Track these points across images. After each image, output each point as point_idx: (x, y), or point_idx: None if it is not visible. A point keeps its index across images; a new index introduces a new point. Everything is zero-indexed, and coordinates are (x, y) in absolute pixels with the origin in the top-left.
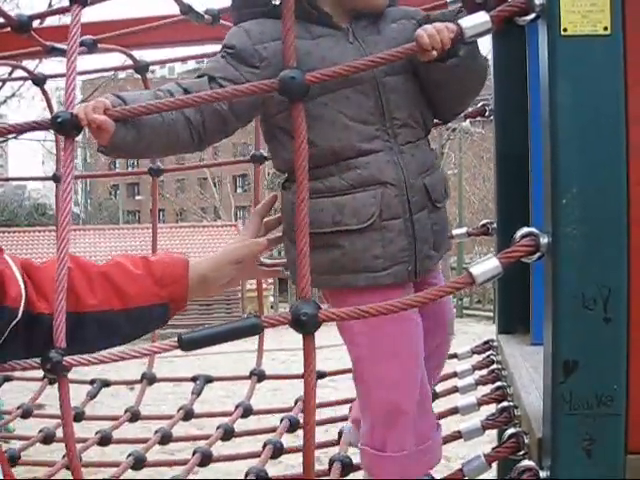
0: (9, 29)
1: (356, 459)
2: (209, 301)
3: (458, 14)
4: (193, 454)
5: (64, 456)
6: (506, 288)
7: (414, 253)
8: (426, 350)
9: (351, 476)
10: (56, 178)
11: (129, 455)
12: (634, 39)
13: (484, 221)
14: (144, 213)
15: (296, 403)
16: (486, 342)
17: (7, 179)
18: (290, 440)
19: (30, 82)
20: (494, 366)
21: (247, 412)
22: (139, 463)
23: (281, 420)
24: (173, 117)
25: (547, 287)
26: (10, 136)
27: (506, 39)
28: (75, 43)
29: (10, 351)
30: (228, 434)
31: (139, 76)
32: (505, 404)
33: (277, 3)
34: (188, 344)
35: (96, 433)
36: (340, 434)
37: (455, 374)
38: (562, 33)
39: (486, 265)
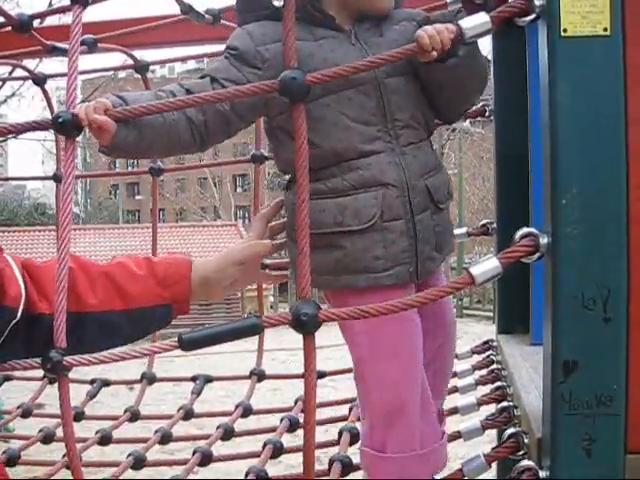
0: (10, 28)
1: (356, 459)
2: (209, 301)
3: (458, 14)
4: (193, 454)
5: (64, 456)
6: (506, 288)
7: (415, 254)
8: (428, 353)
9: (351, 476)
10: (56, 178)
11: (129, 455)
12: (634, 40)
13: (484, 221)
14: (144, 213)
15: (296, 403)
16: (486, 342)
17: (7, 179)
18: (290, 440)
19: (30, 82)
20: (494, 366)
21: (247, 412)
22: (139, 463)
23: (281, 420)
24: (175, 117)
25: (547, 287)
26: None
27: (506, 40)
28: (76, 43)
29: (10, 351)
30: (228, 434)
31: (139, 76)
32: (505, 404)
33: (279, 6)
34: (188, 344)
35: (96, 433)
36: (340, 434)
37: (455, 374)
38: (562, 34)
39: (486, 265)
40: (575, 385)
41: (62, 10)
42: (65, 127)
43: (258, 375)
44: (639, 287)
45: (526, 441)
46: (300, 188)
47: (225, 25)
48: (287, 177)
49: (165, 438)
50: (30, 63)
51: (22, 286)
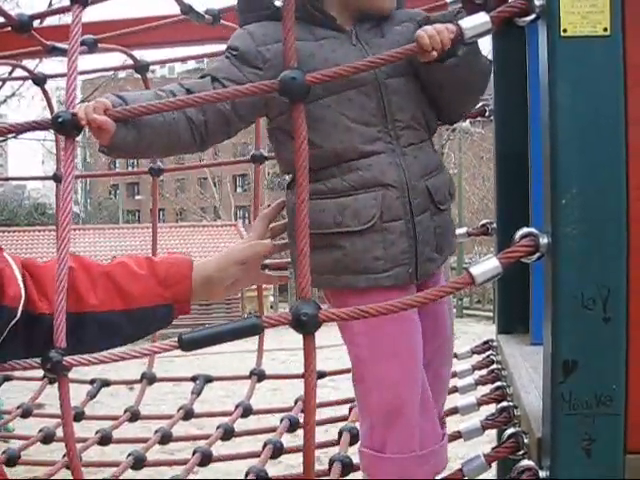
0: (10, 29)
1: (356, 459)
2: (209, 301)
3: (458, 15)
4: (193, 454)
5: (64, 456)
6: (506, 288)
7: (415, 255)
8: (427, 353)
9: (351, 476)
10: (56, 178)
11: (129, 455)
12: (634, 40)
13: (484, 221)
14: (144, 213)
15: (296, 403)
16: (486, 342)
17: (7, 179)
18: (290, 440)
19: (30, 82)
20: (494, 366)
21: (247, 412)
22: (139, 463)
23: (281, 420)
24: (175, 117)
25: (547, 287)
26: (10, 135)
27: (506, 40)
28: (76, 43)
29: (10, 351)
30: (228, 434)
31: (139, 76)
32: (505, 404)
33: (280, 6)
34: (188, 344)
35: (96, 433)
36: (340, 434)
37: (455, 374)
38: (562, 34)
39: (486, 265)
40: (575, 385)
41: (62, 10)
42: (65, 127)
43: (258, 375)
44: (639, 287)
45: (526, 441)
46: (300, 188)
47: (225, 25)
48: (287, 177)
49: (165, 438)
50: (30, 63)
51: (22, 286)
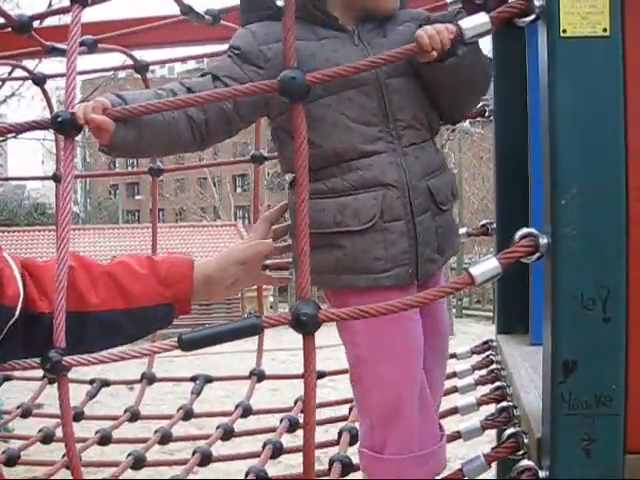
0: (10, 29)
1: (356, 459)
2: (209, 301)
3: (458, 15)
4: (193, 454)
5: (64, 455)
6: (506, 288)
7: (415, 255)
8: (425, 352)
9: (351, 476)
10: (56, 178)
11: (129, 455)
12: (633, 40)
13: (484, 221)
14: (144, 213)
15: (296, 403)
16: (485, 342)
17: (7, 179)
18: (290, 440)
19: (30, 82)
20: (493, 366)
21: (247, 412)
22: (139, 463)
23: (281, 420)
24: (175, 116)
25: (546, 287)
26: (10, 135)
27: (506, 40)
28: (75, 43)
29: (9, 350)
30: (228, 434)
31: (139, 76)
32: (504, 404)
33: (281, 5)
34: (188, 344)
35: (96, 433)
36: (340, 434)
37: (454, 374)
38: (561, 34)
39: (485, 265)
40: (575, 385)
41: (62, 11)
42: (64, 126)
43: (258, 375)
44: (638, 287)
45: (526, 441)
46: (300, 188)
47: (225, 26)
48: (288, 177)
49: (165, 438)
50: (30, 63)
51: (20, 285)
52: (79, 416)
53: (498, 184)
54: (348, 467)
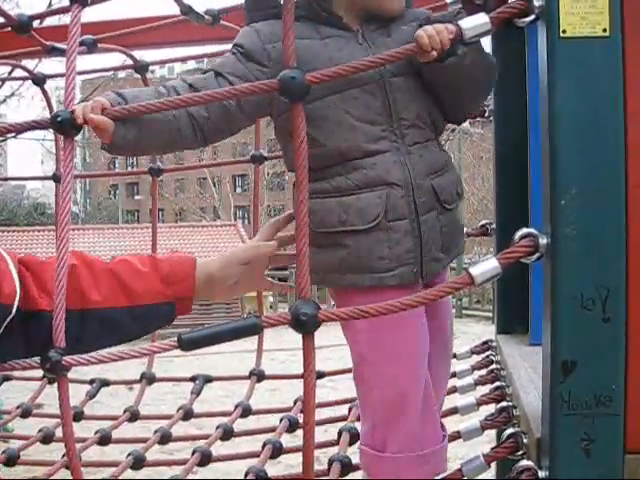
0: (9, 29)
1: (356, 459)
2: (209, 301)
3: (458, 15)
4: (192, 454)
5: (63, 455)
6: (505, 288)
7: (420, 255)
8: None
9: (350, 476)
10: (56, 177)
11: (128, 455)
12: (633, 41)
13: (483, 221)
14: (143, 213)
15: (295, 403)
16: (485, 342)
17: (6, 179)
18: (289, 440)
19: (30, 82)
20: (493, 366)
21: (246, 412)
22: (138, 463)
23: (280, 420)
24: (175, 114)
25: (546, 287)
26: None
27: (506, 40)
28: (75, 43)
29: (8, 349)
30: (227, 434)
31: (139, 76)
32: (504, 404)
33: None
34: (188, 344)
35: (95, 433)
36: (339, 434)
37: (454, 374)
38: (561, 35)
39: (485, 265)
40: (574, 385)
41: (62, 11)
42: (64, 126)
43: (257, 375)
44: (638, 287)
45: (525, 441)
46: (300, 187)
47: (224, 26)
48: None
49: (164, 438)
50: (29, 63)
51: (17, 282)
52: (79, 416)
53: (498, 184)
54: (347, 467)
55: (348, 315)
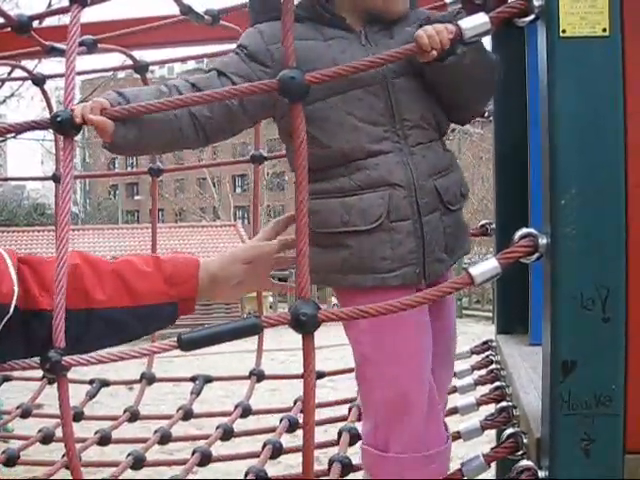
0: (9, 29)
1: (355, 459)
2: (209, 301)
3: (457, 15)
4: (192, 454)
5: (63, 456)
6: (505, 288)
7: (422, 255)
8: (435, 355)
9: (351, 476)
10: (55, 178)
11: (128, 455)
12: (633, 40)
13: (483, 221)
14: (143, 213)
15: (295, 403)
16: (485, 342)
17: (6, 179)
18: (289, 440)
19: (29, 82)
20: (493, 366)
21: (246, 412)
22: (138, 463)
23: (280, 420)
24: (177, 114)
25: (546, 287)
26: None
27: (506, 40)
28: (74, 43)
29: (7, 349)
30: (227, 434)
31: (139, 76)
32: (504, 404)
33: (295, 6)
34: (187, 344)
35: (95, 433)
36: (339, 434)
37: (454, 374)
38: (561, 34)
39: (485, 265)
40: (574, 385)
41: (61, 11)
42: (63, 126)
43: (257, 375)
44: (638, 287)
45: (525, 441)
46: (299, 188)
47: (224, 26)
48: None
49: (164, 438)
50: (29, 63)
51: (15, 282)
52: (79, 416)
53: (497, 184)
54: (348, 467)
55: (348, 315)
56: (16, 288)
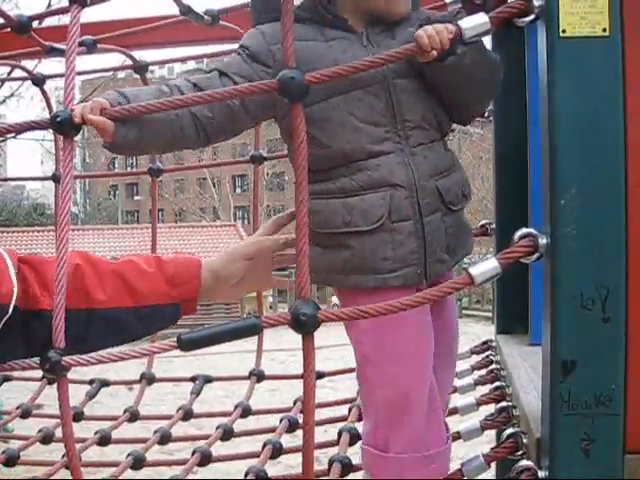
0: (9, 29)
1: (355, 460)
2: (209, 301)
3: (457, 15)
4: (192, 454)
5: (63, 456)
6: (505, 288)
7: (424, 256)
8: (437, 355)
9: (351, 476)
10: (55, 178)
11: (128, 455)
12: (633, 40)
13: (483, 221)
14: (143, 213)
15: (295, 403)
16: (485, 342)
17: (6, 179)
18: (289, 440)
19: (29, 82)
20: (493, 366)
21: (246, 412)
22: (138, 463)
23: (280, 420)
24: (178, 113)
25: (546, 287)
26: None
27: (505, 40)
28: (74, 43)
29: (7, 349)
30: (227, 434)
31: (138, 76)
32: (504, 404)
33: (297, 6)
34: (187, 344)
35: (95, 433)
36: (339, 434)
37: (454, 374)
38: (561, 34)
39: (485, 265)
40: (574, 385)
41: (61, 11)
42: (63, 126)
43: (257, 375)
44: (638, 287)
45: (525, 441)
46: (299, 188)
47: (224, 26)
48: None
49: (164, 438)
50: (29, 64)
51: (14, 282)
52: (79, 416)
53: (497, 184)
54: (348, 467)
55: (348, 315)
56: (15, 288)
